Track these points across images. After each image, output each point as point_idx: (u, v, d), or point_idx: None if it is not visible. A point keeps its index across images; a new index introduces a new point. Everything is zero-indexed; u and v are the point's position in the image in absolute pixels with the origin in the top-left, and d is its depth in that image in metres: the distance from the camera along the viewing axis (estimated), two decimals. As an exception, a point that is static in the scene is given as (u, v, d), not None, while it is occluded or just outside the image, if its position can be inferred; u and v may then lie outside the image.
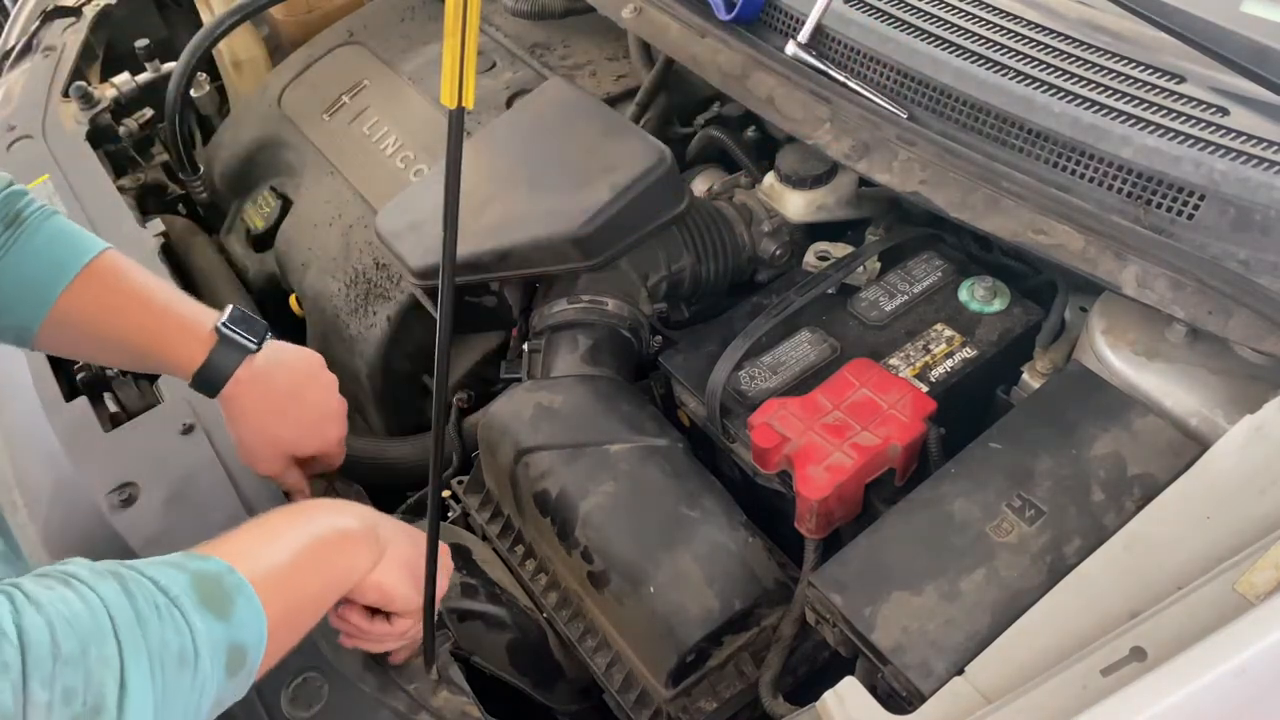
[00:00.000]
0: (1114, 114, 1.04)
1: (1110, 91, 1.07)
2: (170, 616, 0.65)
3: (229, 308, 1.02)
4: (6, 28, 1.96)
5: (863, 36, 1.23)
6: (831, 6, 1.26)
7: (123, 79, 1.88)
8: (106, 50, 1.96)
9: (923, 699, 0.79)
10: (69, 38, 1.86)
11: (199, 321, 1.00)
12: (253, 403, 1.01)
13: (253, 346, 1.00)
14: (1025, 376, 1.12)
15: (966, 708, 0.76)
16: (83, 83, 1.74)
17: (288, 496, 1.12)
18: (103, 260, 0.97)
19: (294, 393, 1.04)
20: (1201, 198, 0.98)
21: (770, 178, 1.34)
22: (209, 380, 0.99)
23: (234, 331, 1.00)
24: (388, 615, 0.91)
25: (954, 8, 1.22)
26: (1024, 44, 1.15)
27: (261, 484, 1.12)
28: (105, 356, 1.06)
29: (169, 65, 1.90)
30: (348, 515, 0.87)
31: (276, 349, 1.04)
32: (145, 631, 0.63)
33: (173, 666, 0.65)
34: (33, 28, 1.88)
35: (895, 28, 1.22)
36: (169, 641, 0.65)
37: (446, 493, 1.28)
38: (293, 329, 1.67)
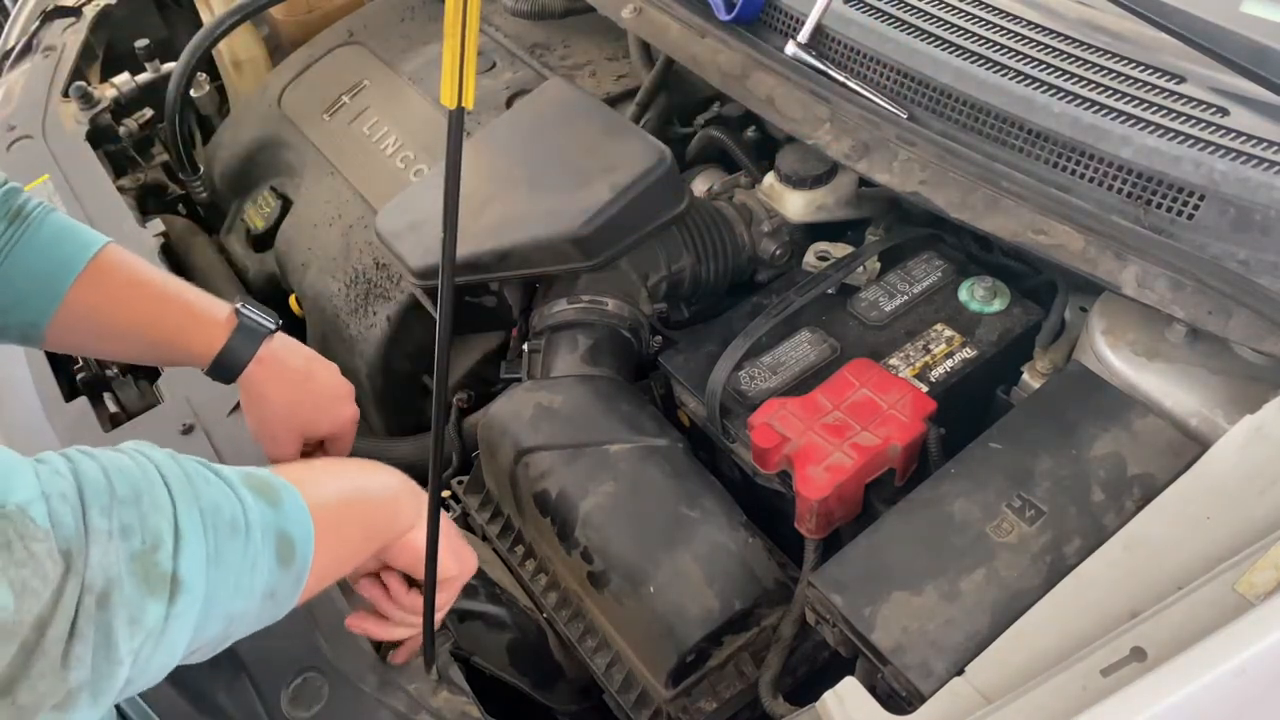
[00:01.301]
0: (1114, 114, 1.04)
1: (1110, 91, 1.07)
2: (220, 487, 0.67)
3: (237, 298, 1.03)
4: (6, 28, 1.96)
5: (863, 36, 1.23)
6: (831, 6, 1.26)
7: (123, 79, 1.88)
8: (106, 50, 1.96)
9: (923, 699, 0.79)
10: (69, 38, 1.86)
11: (214, 308, 1.01)
12: (272, 384, 1.02)
13: (270, 327, 1.02)
14: (1025, 376, 1.12)
15: (966, 708, 0.76)
16: (83, 83, 1.74)
17: None
18: (108, 253, 0.97)
19: (308, 373, 1.06)
20: (1201, 198, 0.98)
21: (770, 178, 1.34)
22: (228, 365, 1.00)
23: (252, 315, 1.01)
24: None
25: (954, 8, 1.22)
26: (1024, 44, 1.15)
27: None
28: (117, 349, 1.06)
29: (169, 65, 1.89)
30: (392, 474, 0.89)
31: (281, 336, 1.05)
32: (196, 491, 0.65)
33: (225, 529, 0.66)
34: (33, 28, 1.88)
35: (895, 28, 1.22)
36: (220, 505, 0.66)
37: (446, 493, 1.28)
38: (293, 329, 1.67)
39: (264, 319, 1.02)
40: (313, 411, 1.05)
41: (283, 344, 1.04)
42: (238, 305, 1.01)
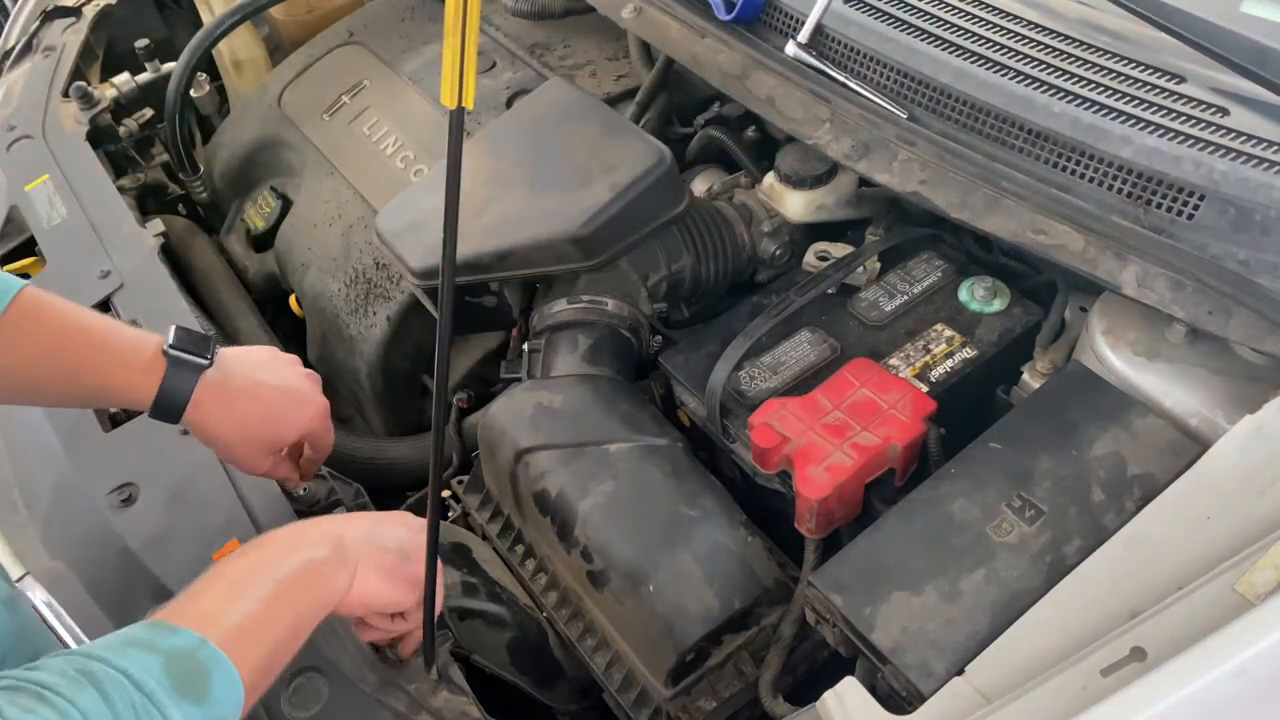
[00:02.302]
0: (1114, 114, 1.04)
1: (1110, 91, 1.07)
2: (149, 717, 0.65)
3: (172, 328, 0.98)
4: (6, 28, 1.96)
5: (863, 36, 1.23)
6: (831, 6, 1.26)
7: (123, 79, 1.88)
8: (106, 50, 1.96)
9: (923, 699, 0.79)
10: (69, 38, 1.86)
11: (141, 349, 0.96)
12: (217, 416, 0.98)
13: (204, 363, 0.97)
14: (1025, 376, 1.12)
15: (966, 708, 0.76)
16: (83, 83, 1.74)
17: (287, 494, 1.12)
18: (24, 298, 0.91)
19: (252, 391, 1.01)
20: (1201, 198, 0.98)
21: (770, 178, 1.34)
22: (168, 408, 0.96)
23: (181, 352, 0.96)
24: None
25: (954, 8, 1.22)
26: (1024, 44, 1.15)
27: (260, 484, 1.12)
28: (44, 399, 1.01)
29: (169, 65, 1.90)
30: (311, 542, 0.85)
31: (222, 355, 1.00)
32: None
33: None
34: (33, 28, 1.88)
35: (895, 28, 1.22)
36: None
37: (446, 493, 1.28)
38: (293, 329, 1.68)
39: (196, 354, 0.97)
40: (268, 426, 1.02)
41: (222, 368, 0.99)
42: (167, 344, 0.96)
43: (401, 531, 0.91)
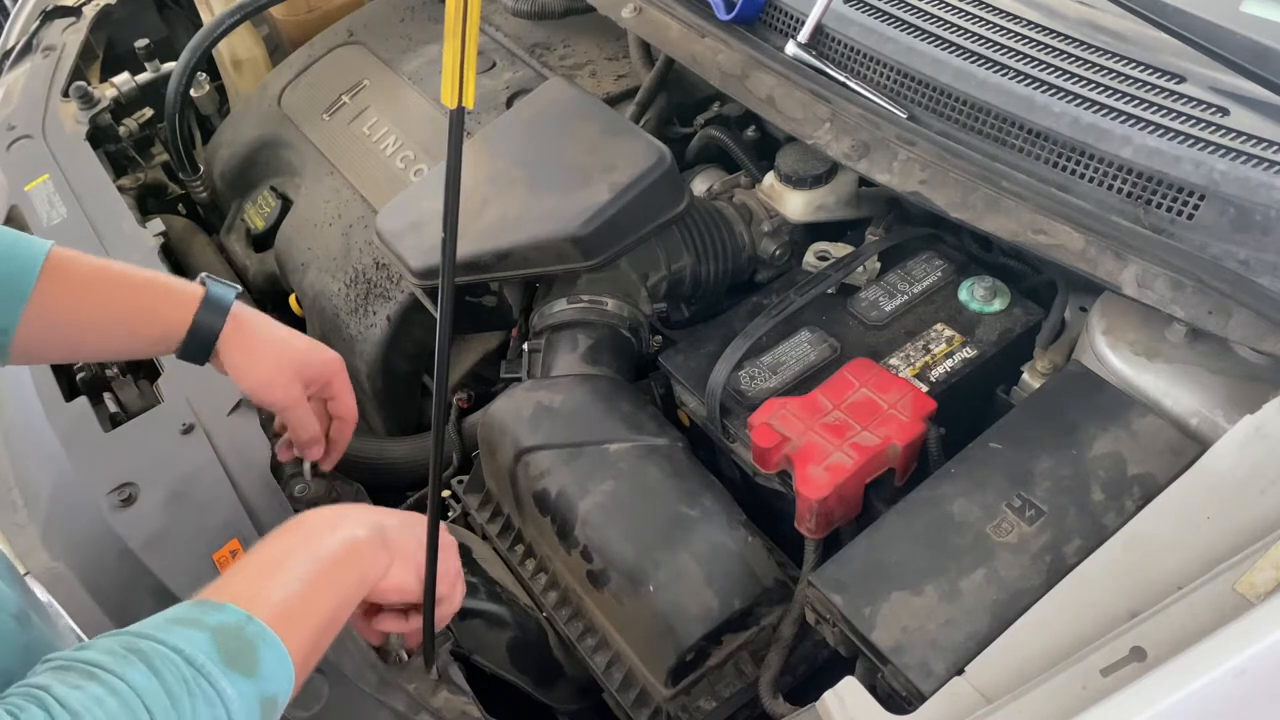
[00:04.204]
0: (1114, 114, 1.04)
1: (1110, 91, 1.07)
2: (201, 690, 0.66)
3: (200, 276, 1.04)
4: (6, 28, 1.96)
5: (863, 36, 1.23)
6: (831, 6, 1.26)
7: (123, 79, 1.89)
8: (106, 50, 1.96)
9: (923, 699, 0.79)
10: (69, 38, 1.86)
11: (182, 283, 1.01)
12: (244, 348, 1.02)
13: (237, 288, 1.03)
14: (1025, 376, 1.12)
15: (966, 708, 0.76)
16: (83, 83, 1.74)
17: (288, 496, 1.12)
18: (59, 251, 0.96)
19: (275, 331, 1.06)
20: (1201, 198, 0.98)
21: (770, 178, 1.34)
22: (203, 336, 1.00)
23: (217, 281, 1.02)
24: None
25: (954, 8, 1.22)
26: (1024, 44, 1.15)
27: (261, 484, 1.12)
28: (87, 344, 1.03)
29: (169, 65, 1.90)
30: (352, 523, 0.86)
31: (243, 307, 1.05)
32: (180, 714, 0.64)
33: None
34: (33, 28, 1.88)
35: (895, 28, 1.22)
36: (203, 717, 0.65)
37: (446, 493, 1.28)
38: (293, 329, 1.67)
39: (228, 283, 1.03)
40: (297, 349, 1.05)
41: (243, 314, 1.04)
42: (204, 276, 1.02)
43: (421, 531, 0.92)
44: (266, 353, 1.04)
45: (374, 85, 1.71)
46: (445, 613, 0.93)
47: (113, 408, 1.29)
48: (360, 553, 0.84)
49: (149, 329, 1.00)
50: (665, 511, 1.05)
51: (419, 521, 0.93)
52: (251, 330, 1.03)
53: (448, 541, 0.91)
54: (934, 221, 1.22)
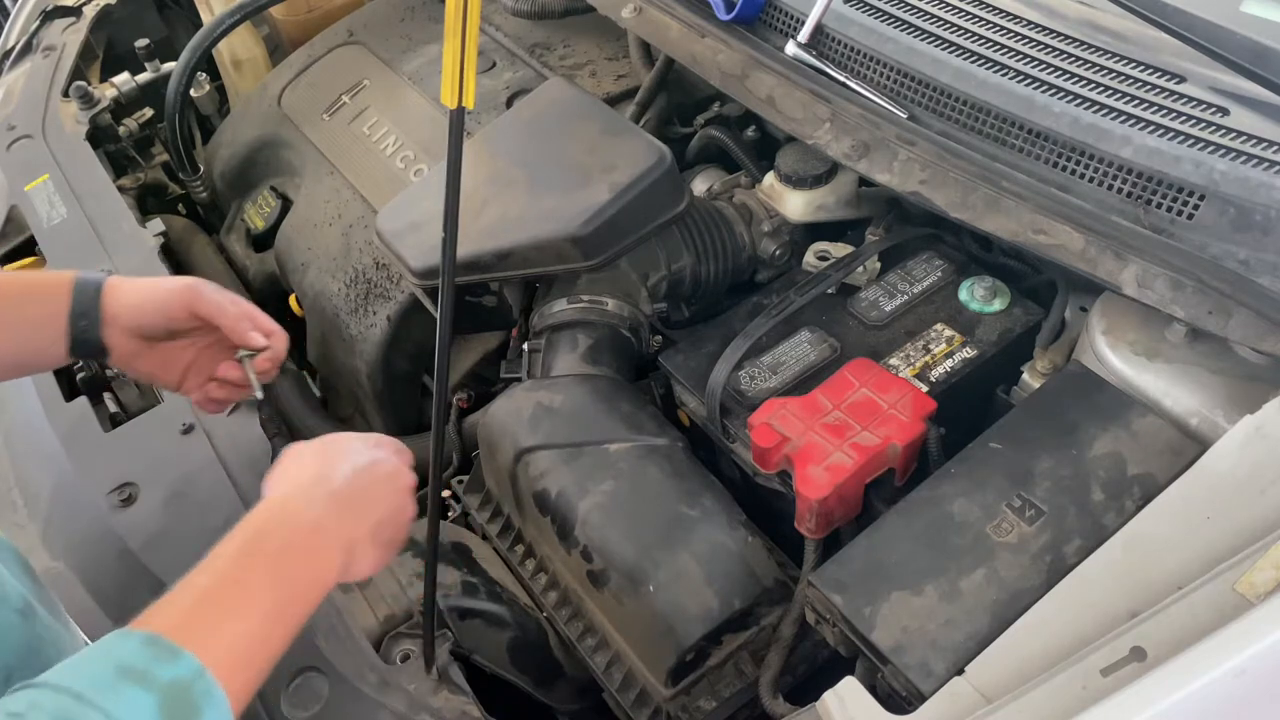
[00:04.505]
0: (1114, 114, 1.04)
1: (1110, 91, 1.07)
2: None
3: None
4: (6, 28, 1.96)
5: (863, 36, 1.23)
6: (831, 6, 1.26)
7: (123, 79, 1.89)
8: (106, 50, 1.96)
9: (923, 699, 0.79)
10: (69, 38, 1.86)
11: (51, 276, 0.98)
12: (129, 279, 1.00)
13: (105, 273, 1.00)
14: (1025, 376, 1.12)
15: (966, 708, 0.76)
16: (83, 83, 1.74)
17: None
18: None
19: (148, 281, 1.02)
20: (1201, 198, 0.98)
21: (770, 178, 1.34)
22: (87, 301, 0.97)
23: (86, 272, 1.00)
24: None
25: (954, 8, 1.22)
26: (1024, 44, 1.15)
27: (261, 484, 1.12)
28: None
29: (169, 65, 1.90)
30: (327, 544, 0.81)
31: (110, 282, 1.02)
32: None
33: None
34: (33, 28, 1.88)
35: (895, 28, 1.22)
36: None
37: (446, 493, 1.28)
38: (293, 329, 1.67)
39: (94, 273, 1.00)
40: (175, 283, 1.01)
41: (114, 283, 1.00)
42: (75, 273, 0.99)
43: (367, 475, 0.89)
44: (148, 297, 1.00)
45: (374, 85, 1.71)
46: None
47: (113, 408, 1.29)
48: (327, 585, 0.81)
49: (32, 336, 0.97)
50: (665, 511, 1.05)
51: (367, 458, 0.92)
52: (128, 279, 1.00)
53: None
54: (934, 221, 1.22)
